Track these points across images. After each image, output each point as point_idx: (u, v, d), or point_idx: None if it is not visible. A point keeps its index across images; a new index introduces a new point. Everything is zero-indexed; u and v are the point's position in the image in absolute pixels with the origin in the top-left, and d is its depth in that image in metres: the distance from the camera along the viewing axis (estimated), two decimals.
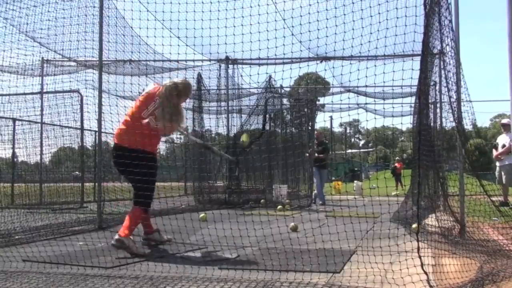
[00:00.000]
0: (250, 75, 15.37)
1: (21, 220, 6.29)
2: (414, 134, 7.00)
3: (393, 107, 13.26)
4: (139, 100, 4.64)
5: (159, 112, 4.48)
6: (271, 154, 12.28)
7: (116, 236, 4.22)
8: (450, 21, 4.54)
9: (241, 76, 11.80)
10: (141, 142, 4.48)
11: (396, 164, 27.58)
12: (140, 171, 4.45)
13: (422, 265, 2.99)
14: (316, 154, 11.87)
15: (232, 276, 3.34)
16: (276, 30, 4.75)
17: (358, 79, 4.26)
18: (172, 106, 4.53)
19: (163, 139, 5.10)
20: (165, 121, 4.50)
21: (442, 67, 5.19)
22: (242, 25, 4.85)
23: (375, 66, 3.96)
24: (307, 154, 12.13)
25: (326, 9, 4.42)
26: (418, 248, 3.12)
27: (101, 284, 3.16)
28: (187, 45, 5.68)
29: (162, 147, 16.97)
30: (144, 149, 4.52)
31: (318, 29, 4.46)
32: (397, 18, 3.90)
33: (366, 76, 3.94)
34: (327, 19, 4.40)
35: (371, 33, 3.99)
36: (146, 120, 4.50)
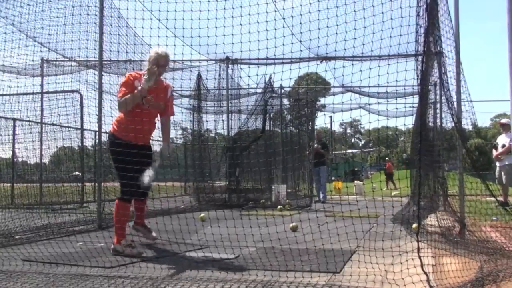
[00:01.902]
0: (249, 76, 15.29)
1: (21, 220, 6.28)
2: (414, 134, 7.01)
3: (397, 108, 13.26)
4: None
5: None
6: (271, 154, 12.30)
7: (112, 246, 4.37)
8: (450, 20, 4.54)
9: (240, 77, 11.80)
10: (145, 135, 4.51)
11: (387, 165, 27.76)
12: (141, 163, 4.45)
13: (422, 265, 2.99)
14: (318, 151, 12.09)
15: (232, 276, 3.34)
16: (276, 29, 4.73)
17: (361, 80, 4.28)
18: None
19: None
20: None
21: (441, 67, 5.19)
22: (240, 24, 4.83)
23: (379, 66, 3.94)
24: (308, 152, 12.22)
25: (327, 8, 4.40)
26: (418, 249, 3.12)
27: (101, 284, 3.15)
28: (185, 45, 5.68)
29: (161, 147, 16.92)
30: (145, 143, 4.57)
31: (319, 29, 4.44)
32: (402, 17, 3.90)
33: (370, 77, 3.93)
34: (328, 18, 4.39)
35: (373, 33, 3.98)
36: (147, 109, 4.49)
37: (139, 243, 4.77)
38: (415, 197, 7.35)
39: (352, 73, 4.30)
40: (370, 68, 3.95)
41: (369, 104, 15.07)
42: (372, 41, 4.04)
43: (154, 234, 5.01)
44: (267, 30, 4.68)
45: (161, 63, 4.47)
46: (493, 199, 9.89)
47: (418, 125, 6.25)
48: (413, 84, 4.70)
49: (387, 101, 14.02)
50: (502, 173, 9.73)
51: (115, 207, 4.50)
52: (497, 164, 10.03)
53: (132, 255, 4.19)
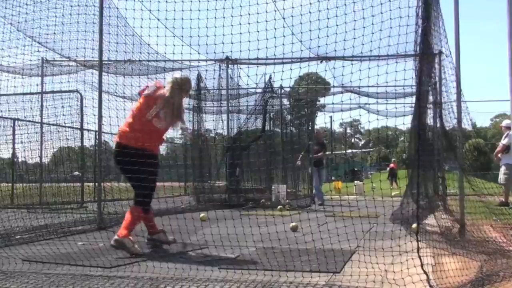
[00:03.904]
0: (248, 76, 15.29)
1: (21, 220, 6.28)
2: (412, 134, 6.99)
3: (396, 108, 13.26)
4: (141, 102, 4.65)
5: (163, 112, 4.50)
6: (271, 154, 12.29)
7: (115, 237, 4.26)
8: (443, 22, 4.55)
9: (239, 76, 11.77)
10: (145, 142, 4.52)
11: (392, 165, 27.88)
12: (142, 170, 4.45)
13: (422, 265, 2.99)
14: (314, 154, 11.93)
15: (232, 276, 3.34)
16: (275, 29, 4.73)
17: (360, 79, 4.27)
18: (175, 104, 4.55)
19: (168, 134, 5.31)
20: (171, 118, 4.56)
21: (440, 67, 5.20)
22: (240, 24, 4.82)
23: (378, 66, 3.94)
24: (301, 154, 12.12)
25: (327, 8, 4.40)
26: (418, 248, 3.12)
27: (101, 284, 3.15)
28: (185, 44, 5.68)
29: (162, 147, 16.95)
30: (147, 149, 4.54)
31: (319, 29, 4.44)
32: (401, 17, 3.89)
33: (369, 77, 3.93)
34: (328, 18, 4.39)
35: (372, 33, 3.98)
36: (151, 121, 4.53)
37: (139, 242, 4.77)
38: (414, 197, 7.35)
39: (352, 73, 4.28)
40: (369, 68, 3.95)
41: (369, 104, 15.03)
42: (371, 41, 4.04)
43: (170, 237, 4.97)
44: (266, 30, 4.68)
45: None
46: (493, 199, 9.91)
47: (415, 126, 6.26)
48: (411, 84, 4.70)
49: (386, 101, 14.00)
50: (502, 173, 9.75)
51: (133, 213, 4.45)
52: (500, 163, 10.09)
53: (136, 252, 4.19)
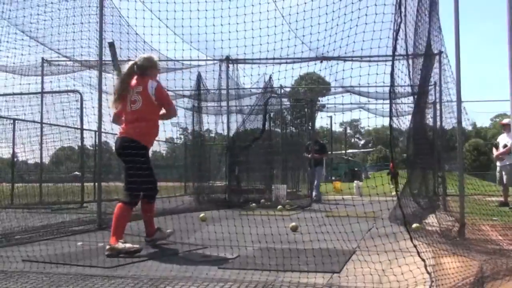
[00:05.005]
0: (245, 73, 15.27)
1: (21, 220, 6.28)
2: (407, 134, 6.98)
3: (398, 108, 13.24)
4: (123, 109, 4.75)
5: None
6: (271, 154, 12.28)
7: (107, 247, 4.26)
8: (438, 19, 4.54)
9: (238, 70, 11.74)
10: (136, 134, 4.55)
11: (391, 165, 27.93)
12: (136, 165, 4.47)
13: (418, 253, 3.01)
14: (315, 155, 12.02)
15: (232, 276, 3.34)
16: (275, 26, 4.75)
17: (366, 77, 4.24)
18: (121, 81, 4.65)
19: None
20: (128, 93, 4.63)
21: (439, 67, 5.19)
22: (237, 23, 4.85)
23: (378, 66, 3.93)
24: (308, 155, 12.21)
25: (328, 4, 4.40)
26: (411, 238, 3.13)
27: (101, 284, 3.15)
28: (185, 42, 5.69)
29: (162, 147, 16.94)
30: (141, 141, 4.55)
31: (319, 25, 4.45)
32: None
33: (375, 74, 3.92)
34: (327, 14, 4.39)
35: (373, 31, 3.97)
36: (134, 110, 4.59)
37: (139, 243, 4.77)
38: (415, 197, 7.36)
39: (353, 74, 4.28)
40: (378, 67, 3.94)
41: (376, 104, 14.98)
42: (374, 38, 4.02)
43: (168, 230, 4.99)
44: (260, 28, 4.70)
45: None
46: (493, 199, 9.88)
47: (414, 125, 6.25)
48: (411, 83, 4.70)
49: (382, 101, 13.94)
50: (503, 173, 9.70)
51: (116, 213, 4.41)
52: (498, 164, 9.99)
53: (134, 250, 4.18)
